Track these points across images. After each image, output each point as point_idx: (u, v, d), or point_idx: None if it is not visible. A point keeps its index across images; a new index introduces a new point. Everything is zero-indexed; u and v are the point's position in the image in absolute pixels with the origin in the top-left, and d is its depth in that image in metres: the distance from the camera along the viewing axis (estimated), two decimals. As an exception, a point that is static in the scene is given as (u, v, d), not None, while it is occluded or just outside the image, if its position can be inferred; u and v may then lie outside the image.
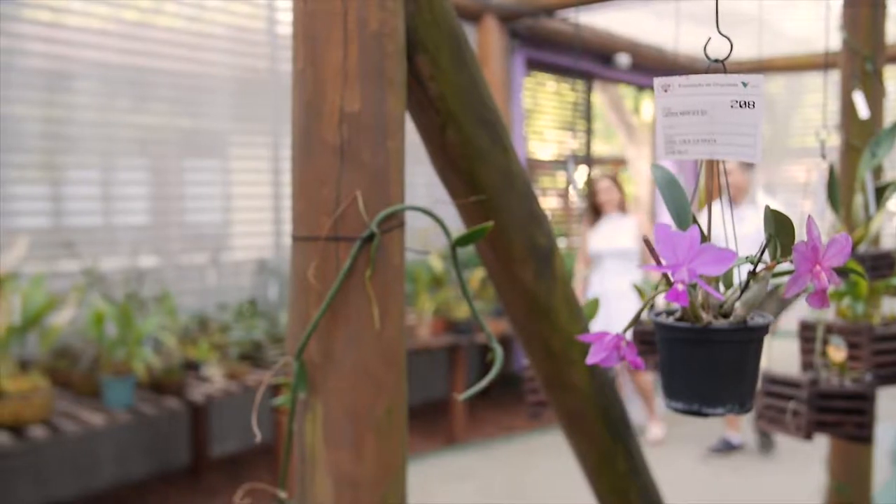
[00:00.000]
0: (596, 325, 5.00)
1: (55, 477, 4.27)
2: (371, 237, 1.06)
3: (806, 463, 4.54)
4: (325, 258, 1.07)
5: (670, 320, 1.05)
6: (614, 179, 5.47)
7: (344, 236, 1.06)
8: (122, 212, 4.64)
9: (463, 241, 1.11)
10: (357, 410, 1.09)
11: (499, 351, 1.10)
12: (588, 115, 7.51)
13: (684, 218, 1.06)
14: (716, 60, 1.09)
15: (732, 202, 5.71)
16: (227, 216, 5.18)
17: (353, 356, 1.08)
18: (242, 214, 5.22)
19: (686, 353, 1.04)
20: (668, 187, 1.08)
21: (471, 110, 1.25)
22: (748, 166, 4.97)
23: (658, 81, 1.05)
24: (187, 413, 4.69)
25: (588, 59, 7.08)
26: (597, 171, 7.54)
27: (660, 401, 5.15)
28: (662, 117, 1.06)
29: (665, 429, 5.45)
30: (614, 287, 5.11)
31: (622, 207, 5.40)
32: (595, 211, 5.43)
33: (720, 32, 1.10)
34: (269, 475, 4.63)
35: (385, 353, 1.10)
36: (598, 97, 8.33)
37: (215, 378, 3.98)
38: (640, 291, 2.58)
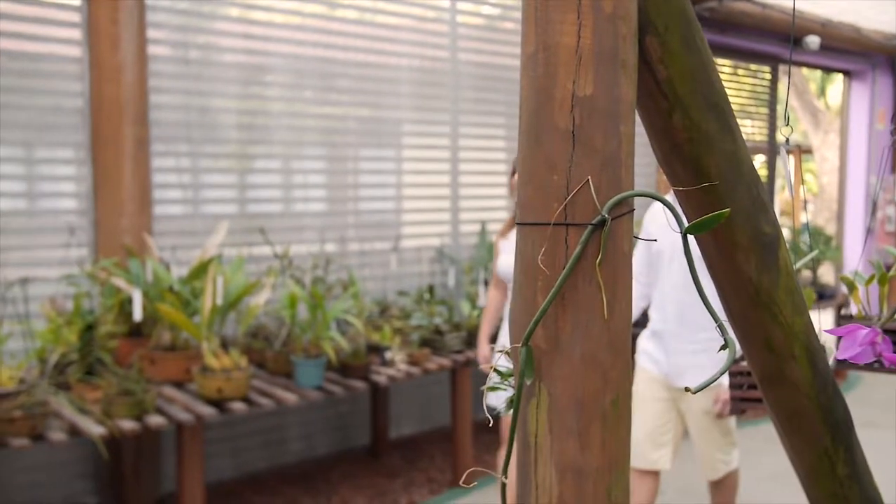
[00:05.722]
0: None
1: (249, 450, 4.52)
2: (602, 223, 1.04)
3: None
4: (554, 244, 1.06)
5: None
6: None
7: (574, 222, 1.05)
8: (306, 199, 4.83)
9: (696, 228, 1.07)
10: (583, 399, 1.07)
11: (733, 342, 1.05)
12: (772, 101, 7.15)
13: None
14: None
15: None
16: (405, 204, 5.30)
17: (581, 344, 1.07)
18: (421, 203, 5.32)
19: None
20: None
21: (700, 94, 1.20)
22: None
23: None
24: (369, 395, 4.85)
25: (774, 42, 6.74)
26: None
27: None
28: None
29: None
30: None
31: None
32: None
33: None
34: (444, 458, 4.71)
35: (612, 341, 1.08)
36: (782, 81, 7.92)
37: (398, 362, 4.08)
38: (849, 284, 2.42)
